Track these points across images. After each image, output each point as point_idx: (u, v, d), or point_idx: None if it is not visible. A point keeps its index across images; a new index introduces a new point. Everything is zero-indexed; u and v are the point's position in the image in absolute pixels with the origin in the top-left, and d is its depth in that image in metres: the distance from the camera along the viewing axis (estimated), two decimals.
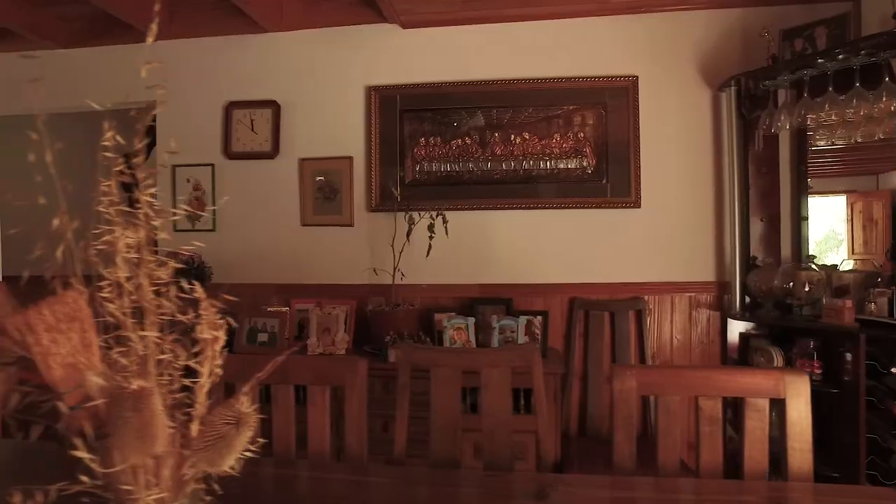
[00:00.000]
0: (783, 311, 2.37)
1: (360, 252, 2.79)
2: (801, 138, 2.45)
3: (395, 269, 2.59)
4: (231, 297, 0.65)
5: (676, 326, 2.65)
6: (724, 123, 2.60)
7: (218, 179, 2.89)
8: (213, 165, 2.89)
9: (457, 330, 2.46)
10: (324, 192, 2.81)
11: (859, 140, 2.21)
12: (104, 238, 0.65)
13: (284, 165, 2.85)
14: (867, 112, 2.06)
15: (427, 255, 2.52)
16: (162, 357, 0.63)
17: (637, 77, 2.63)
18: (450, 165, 2.73)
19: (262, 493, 1.13)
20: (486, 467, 1.40)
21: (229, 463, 0.61)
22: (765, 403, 1.29)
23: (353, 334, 2.63)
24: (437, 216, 2.52)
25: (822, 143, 2.40)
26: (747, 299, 2.49)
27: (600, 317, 2.66)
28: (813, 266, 2.30)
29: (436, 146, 2.74)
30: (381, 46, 2.79)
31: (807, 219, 2.46)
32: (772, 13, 2.51)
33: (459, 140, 2.72)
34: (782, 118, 2.28)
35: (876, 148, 2.25)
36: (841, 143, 2.32)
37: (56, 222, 0.64)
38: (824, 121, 2.21)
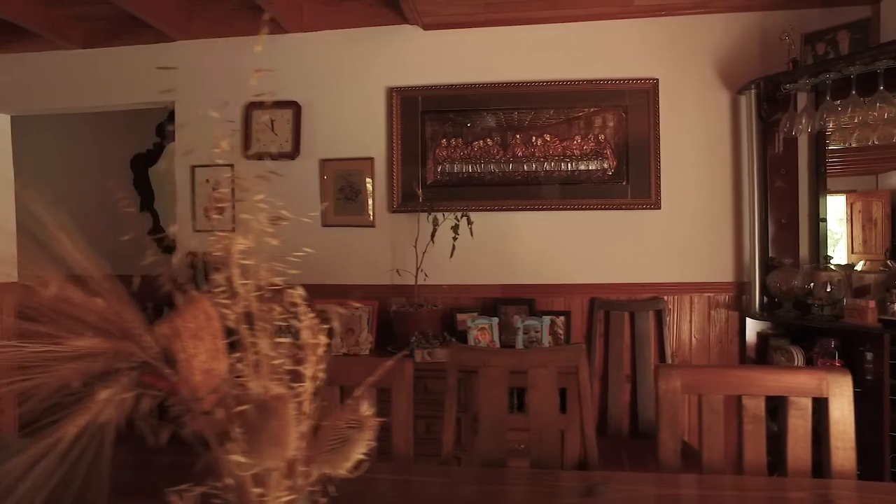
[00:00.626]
0: (803, 310, 2.40)
1: (381, 253, 2.80)
2: (818, 140, 2.49)
3: (417, 269, 2.61)
4: (358, 303, 0.66)
5: (695, 326, 2.69)
6: (743, 126, 2.63)
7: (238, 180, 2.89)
8: (232, 166, 2.88)
9: (480, 330, 2.48)
10: (345, 193, 2.82)
11: (876, 142, 2.25)
12: (218, 244, 0.66)
13: (305, 166, 2.85)
14: (890, 115, 2.09)
15: (451, 256, 2.54)
16: (277, 362, 0.65)
17: (657, 80, 2.65)
18: (471, 167, 2.75)
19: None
20: (534, 465, 1.42)
21: (348, 465, 0.62)
22: (807, 402, 1.32)
23: (375, 335, 2.64)
24: (461, 217, 2.53)
25: (836, 145, 2.44)
26: (765, 299, 2.52)
27: (620, 317, 2.68)
28: (831, 266, 2.34)
29: (457, 147, 2.75)
30: (402, 48, 2.79)
31: (825, 220, 2.50)
32: (790, 17, 2.54)
33: (481, 141, 2.74)
34: (803, 121, 2.32)
35: (876, 148, 2.29)
36: (857, 144, 2.36)
37: (173, 230, 0.65)
38: (844, 124, 2.25)
